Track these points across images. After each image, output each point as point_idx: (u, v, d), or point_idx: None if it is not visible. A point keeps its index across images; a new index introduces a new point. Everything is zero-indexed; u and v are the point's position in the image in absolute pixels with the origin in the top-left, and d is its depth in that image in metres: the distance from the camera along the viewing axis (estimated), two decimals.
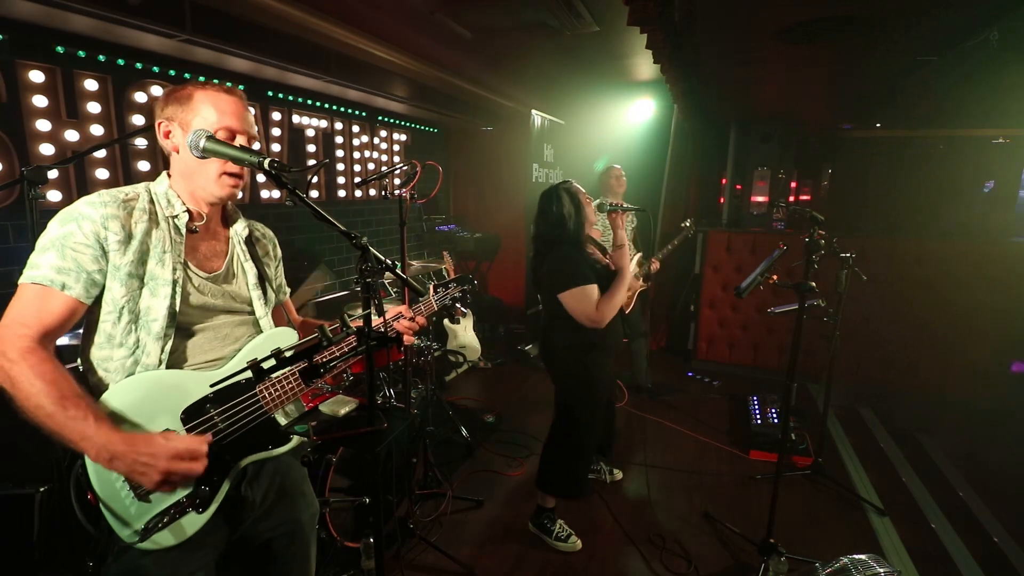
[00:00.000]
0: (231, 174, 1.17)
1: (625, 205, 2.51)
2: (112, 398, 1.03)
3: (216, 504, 1.09)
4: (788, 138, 5.28)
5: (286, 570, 1.33)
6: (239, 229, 1.29)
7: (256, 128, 1.23)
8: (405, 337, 1.42)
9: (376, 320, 1.17)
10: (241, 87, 1.23)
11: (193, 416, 1.08)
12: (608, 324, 2.29)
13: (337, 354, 1.21)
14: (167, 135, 1.16)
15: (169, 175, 1.20)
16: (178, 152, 1.16)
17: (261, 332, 1.26)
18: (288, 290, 1.47)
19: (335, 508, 2.14)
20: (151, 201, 1.15)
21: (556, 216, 2.29)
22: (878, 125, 5.66)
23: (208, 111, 1.14)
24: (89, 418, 0.96)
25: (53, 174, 2.34)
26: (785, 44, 3.10)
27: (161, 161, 2.71)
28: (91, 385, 1.09)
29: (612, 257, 2.43)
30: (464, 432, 3.36)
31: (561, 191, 2.31)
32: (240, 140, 1.17)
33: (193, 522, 1.07)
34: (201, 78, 1.21)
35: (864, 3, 2.53)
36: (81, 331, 1.13)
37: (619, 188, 3.71)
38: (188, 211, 1.18)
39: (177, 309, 1.11)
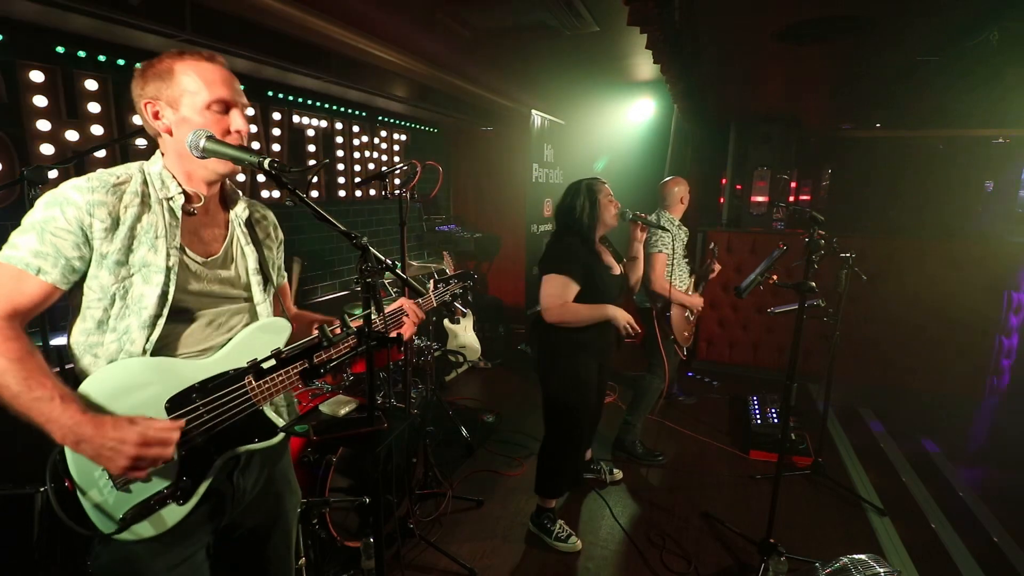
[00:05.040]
0: None
1: (648, 218, 2.48)
2: (94, 383, 1.00)
3: (198, 496, 1.07)
4: (788, 138, 5.28)
5: (269, 556, 1.33)
6: (239, 211, 1.25)
7: (244, 97, 1.16)
8: (405, 329, 1.42)
9: (380, 314, 1.16)
10: (242, 87, 1.19)
11: (178, 406, 1.05)
12: (602, 325, 2.28)
13: (336, 355, 1.20)
14: (156, 116, 1.09)
15: (163, 154, 1.14)
16: (171, 134, 1.10)
17: (256, 319, 1.23)
18: (285, 274, 1.44)
19: (335, 508, 2.14)
20: (144, 183, 1.09)
21: (568, 206, 2.32)
22: (878, 125, 5.67)
23: (194, 83, 1.07)
24: (55, 399, 0.93)
25: (53, 174, 2.33)
26: (785, 44, 3.10)
27: None
28: (77, 371, 1.06)
29: (625, 266, 2.46)
30: (464, 432, 3.36)
31: (583, 185, 2.33)
32: (235, 113, 1.12)
33: (173, 513, 1.05)
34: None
35: (864, 3, 2.53)
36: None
37: (684, 204, 3.35)
38: (184, 192, 1.12)
39: (170, 297, 1.07)
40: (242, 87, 1.17)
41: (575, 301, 2.23)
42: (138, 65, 1.12)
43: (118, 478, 1.00)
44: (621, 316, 2.24)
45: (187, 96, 1.07)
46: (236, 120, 1.12)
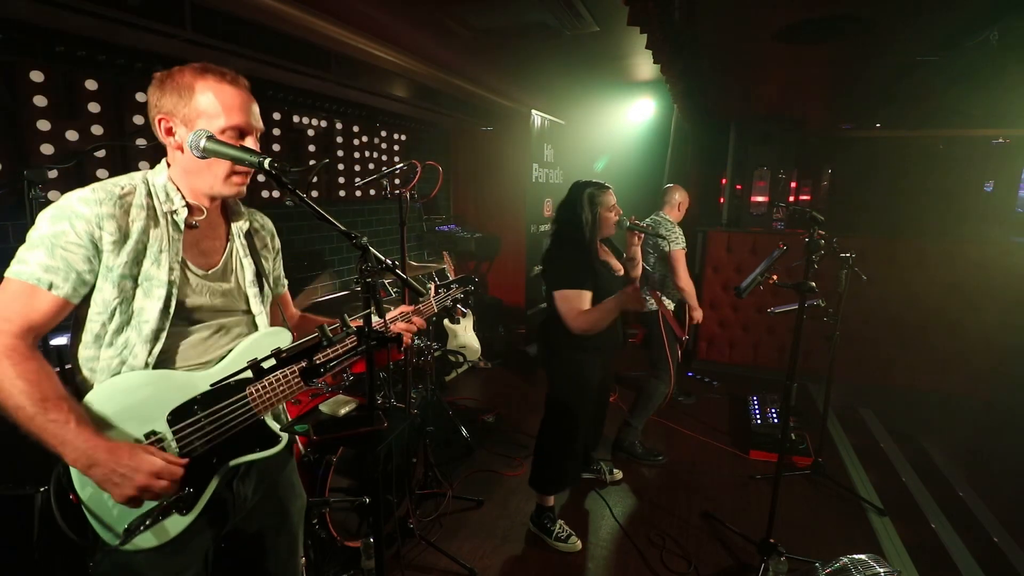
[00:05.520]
0: (239, 173, 1.12)
1: (644, 226, 2.49)
2: (97, 397, 1.01)
3: (201, 506, 1.08)
4: (788, 138, 5.28)
5: (274, 561, 1.33)
6: (241, 224, 1.24)
7: (260, 121, 1.15)
8: (404, 337, 1.41)
9: (375, 321, 1.16)
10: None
11: (180, 418, 1.05)
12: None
13: (337, 354, 1.20)
14: (169, 132, 1.09)
15: (169, 164, 1.14)
16: (182, 151, 1.09)
17: (256, 330, 1.23)
18: (286, 282, 1.44)
19: (335, 508, 2.14)
20: (148, 194, 1.09)
21: (571, 215, 2.32)
22: (878, 125, 5.67)
23: (213, 107, 1.06)
24: (71, 422, 0.93)
25: (53, 174, 2.34)
26: (785, 44, 3.10)
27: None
28: (76, 384, 1.06)
29: (624, 264, 2.51)
30: (464, 432, 3.36)
31: (586, 196, 2.30)
32: (249, 140, 1.11)
33: (176, 524, 1.05)
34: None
35: (864, 3, 2.53)
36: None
37: (681, 212, 3.44)
38: (187, 205, 1.12)
39: (171, 311, 1.07)
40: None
41: None
42: (156, 74, 1.10)
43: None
44: (627, 297, 2.15)
45: (203, 119, 1.06)
46: (250, 147, 1.11)
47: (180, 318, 1.10)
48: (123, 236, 1.03)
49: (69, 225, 0.99)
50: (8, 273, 0.99)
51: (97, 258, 1.01)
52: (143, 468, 0.94)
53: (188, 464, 1.02)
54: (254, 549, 1.29)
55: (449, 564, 2.33)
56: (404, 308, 1.46)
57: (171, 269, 1.07)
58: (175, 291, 1.07)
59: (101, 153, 2.57)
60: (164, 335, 1.07)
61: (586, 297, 2.22)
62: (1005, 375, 4.09)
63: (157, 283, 1.06)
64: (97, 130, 2.55)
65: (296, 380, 1.19)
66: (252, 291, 1.23)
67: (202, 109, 1.06)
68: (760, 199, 5.22)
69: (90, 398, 1.00)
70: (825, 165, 6.20)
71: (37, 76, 2.33)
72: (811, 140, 5.85)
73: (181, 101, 1.06)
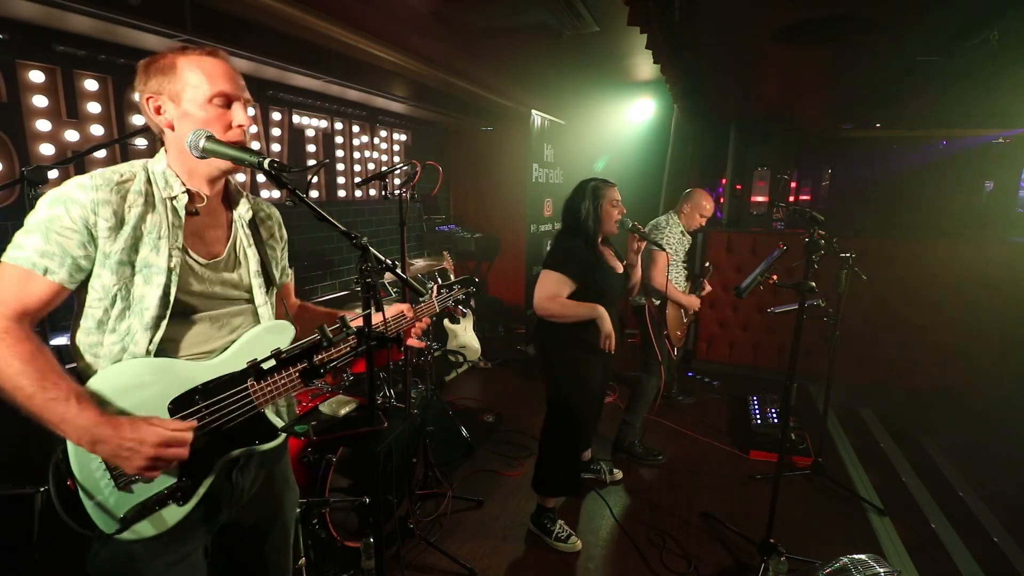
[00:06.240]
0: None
1: (644, 232, 2.44)
2: (99, 383, 1.00)
3: (198, 497, 1.07)
4: (788, 138, 5.28)
5: (267, 554, 1.33)
6: (242, 212, 1.24)
7: (247, 92, 1.15)
8: (411, 340, 1.41)
9: (377, 318, 1.16)
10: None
11: (181, 407, 1.05)
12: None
13: (336, 355, 1.20)
14: (158, 111, 1.08)
15: (166, 151, 1.13)
16: (173, 129, 1.09)
17: (259, 322, 1.22)
18: (290, 272, 1.44)
19: (335, 508, 2.14)
20: (148, 181, 1.09)
21: (574, 208, 2.36)
22: (878, 125, 5.67)
23: (196, 77, 1.06)
24: (71, 399, 0.93)
25: (53, 174, 2.32)
26: (785, 44, 3.10)
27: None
28: (79, 370, 1.06)
29: (624, 269, 2.50)
30: (464, 432, 3.36)
31: (589, 188, 2.35)
32: (237, 106, 1.10)
33: (174, 513, 1.05)
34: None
35: (864, 3, 2.53)
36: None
37: (701, 219, 3.29)
38: (188, 191, 1.11)
39: (172, 298, 1.06)
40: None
41: (574, 299, 2.25)
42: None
43: (120, 479, 1.00)
44: (606, 325, 2.23)
45: (189, 90, 1.06)
46: (238, 114, 1.11)
47: (181, 306, 1.09)
48: (119, 222, 1.03)
49: (64, 210, 0.98)
50: (4, 258, 0.99)
51: (92, 244, 1.01)
52: (148, 439, 0.94)
53: (194, 433, 1.01)
54: (249, 541, 1.29)
55: (449, 564, 2.33)
56: (404, 307, 1.46)
57: (171, 256, 1.07)
58: (175, 278, 1.07)
59: (101, 153, 2.57)
60: (165, 323, 1.06)
61: (567, 288, 2.25)
62: (1005, 374, 4.09)
63: (156, 270, 1.05)
64: (97, 130, 2.55)
65: (297, 376, 1.19)
66: (256, 282, 1.23)
67: (186, 81, 1.07)
68: (760, 199, 5.22)
69: (92, 382, 1.00)
70: (825, 165, 6.21)
71: (37, 76, 2.33)
72: (811, 140, 5.86)
73: (166, 79, 1.07)
